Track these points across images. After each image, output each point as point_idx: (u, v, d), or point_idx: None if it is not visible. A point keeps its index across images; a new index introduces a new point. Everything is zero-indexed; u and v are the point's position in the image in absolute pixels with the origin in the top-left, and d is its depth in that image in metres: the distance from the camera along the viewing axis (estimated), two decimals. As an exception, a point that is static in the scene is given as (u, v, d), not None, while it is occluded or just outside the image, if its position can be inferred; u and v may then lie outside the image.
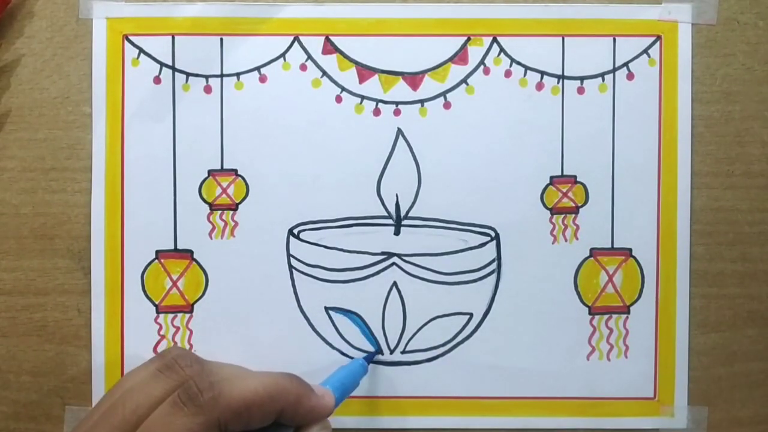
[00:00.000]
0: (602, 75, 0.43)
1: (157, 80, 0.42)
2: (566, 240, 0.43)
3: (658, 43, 0.43)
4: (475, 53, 0.43)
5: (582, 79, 0.43)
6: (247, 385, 0.33)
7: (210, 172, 0.43)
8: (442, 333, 0.43)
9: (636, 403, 0.43)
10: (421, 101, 0.43)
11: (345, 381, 0.39)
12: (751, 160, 0.43)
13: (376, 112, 0.43)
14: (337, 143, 0.42)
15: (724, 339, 0.43)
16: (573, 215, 0.43)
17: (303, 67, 0.43)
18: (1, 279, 0.42)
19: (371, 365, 0.42)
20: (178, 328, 0.42)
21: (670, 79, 0.43)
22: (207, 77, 0.42)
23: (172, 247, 0.42)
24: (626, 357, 0.43)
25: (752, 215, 0.43)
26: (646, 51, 0.43)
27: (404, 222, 0.42)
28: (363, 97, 0.43)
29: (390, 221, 0.43)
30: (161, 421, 0.31)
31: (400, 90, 0.43)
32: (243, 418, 0.32)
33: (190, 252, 0.42)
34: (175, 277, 0.42)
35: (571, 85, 0.43)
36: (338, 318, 0.42)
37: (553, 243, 0.43)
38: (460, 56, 0.43)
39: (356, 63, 0.43)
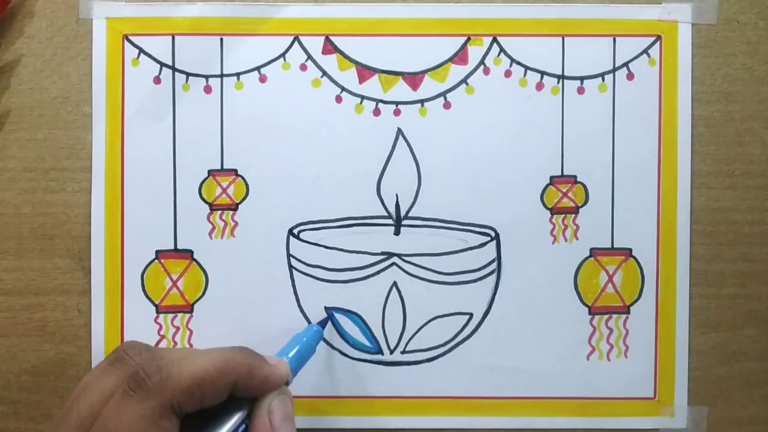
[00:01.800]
0: (602, 75, 0.43)
1: (157, 80, 0.42)
2: (566, 240, 0.43)
3: (658, 43, 0.43)
4: (475, 53, 0.43)
5: (582, 79, 0.43)
6: (195, 363, 0.33)
7: (210, 172, 0.43)
8: (442, 333, 0.43)
9: (636, 403, 0.43)
10: (421, 101, 0.43)
11: (300, 349, 0.38)
12: (751, 160, 0.43)
13: (376, 112, 0.43)
14: (337, 143, 0.42)
15: (724, 339, 0.43)
16: (573, 215, 0.43)
17: (303, 67, 0.43)
18: (1, 279, 0.42)
19: (372, 365, 0.42)
20: (178, 328, 0.42)
21: (670, 79, 0.43)
22: (207, 77, 0.42)
23: (172, 247, 0.42)
24: (626, 357, 0.43)
25: (752, 215, 0.43)
26: (646, 51, 0.43)
27: (404, 222, 0.42)
28: (363, 97, 0.43)
29: (390, 221, 0.43)
30: (114, 412, 0.31)
31: (400, 90, 0.43)
32: (196, 396, 0.32)
33: (190, 252, 0.42)
34: (175, 277, 0.42)
35: (571, 85, 0.43)
36: (338, 318, 0.42)
37: (553, 243, 0.43)
38: (460, 56, 0.43)
39: (356, 63, 0.43)
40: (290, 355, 0.38)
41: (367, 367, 0.43)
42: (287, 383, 0.36)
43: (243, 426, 0.34)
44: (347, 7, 0.42)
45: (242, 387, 0.34)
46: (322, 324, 0.41)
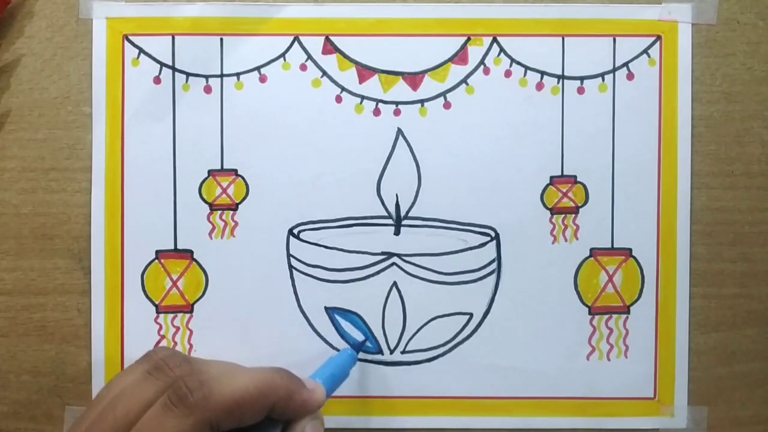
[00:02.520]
0: (602, 75, 0.43)
1: (157, 80, 0.42)
2: (566, 240, 0.43)
3: (658, 43, 0.43)
4: (475, 53, 0.43)
5: (582, 79, 0.43)
6: (237, 383, 0.33)
7: (210, 172, 0.43)
8: (442, 333, 0.43)
9: (636, 403, 0.43)
10: (421, 101, 0.43)
11: (335, 372, 0.39)
12: (751, 160, 0.43)
13: (376, 112, 0.43)
14: (337, 143, 0.42)
15: (724, 339, 0.43)
16: (573, 215, 0.43)
17: (303, 67, 0.43)
18: (1, 279, 0.42)
19: (372, 365, 0.42)
20: (178, 328, 0.42)
21: (670, 79, 0.43)
22: (207, 77, 0.42)
23: (172, 247, 0.42)
24: (626, 357, 0.43)
25: (752, 215, 0.43)
26: (646, 51, 0.43)
27: (404, 222, 0.42)
28: (363, 97, 0.43)
29: (390, 221, 0.43)
30: (152, 424, 0.31)
31: (400, 90, 0.43)
32: (234, 416, 0.32)
33: (190, 252, 0.42)
34: (175, 277, 0.42)
35: (571, 85, 0.43)
36: (338, 318, 0.42)
37: (553, 243, 0.43)
38: (460, 56, 0.43)
39: (356, 63, 0.43)
40: (325, 378, 0.38)
41: (367, 367, 0.43)
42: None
43: None
44: (347, 7, 0.42)
45: (280, 409, 0.34)
46: (357, 348, 0.41)
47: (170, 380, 0.32)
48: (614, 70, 0.43)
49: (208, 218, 0.42)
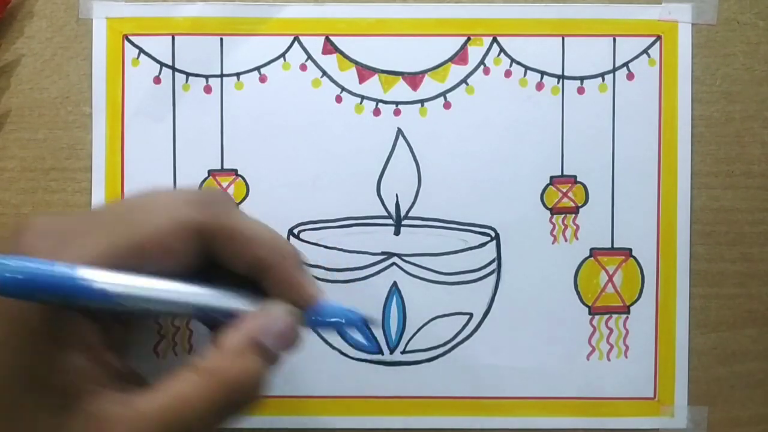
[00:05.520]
0: (602, 75, 0.43)
1: (157, 80, 0.42)
2: (566, 240, 0.43)
3: (658, 43, 0.43)
4: (475, 53, 0.43)
5: (582, 79, 0.43)
6: (255, 221, 0.33)
7: (210, 172, 0.43)
8: (442, 333, 0.43)
9: (636, 403, 0.43)
10: (421, 101, 0.43)
11: (337, 310, 0.35)
12: (751, 160, 0.43)
13: (376, 112, 0.43)
14: (337, 143, 0.42)
15: (724, 339, 0.43)
16: (573, 215, 0.43)
17: (303, 67, 0.43)
18: (1, 279, 0.42)
19: (372, 365, 0.42)
20: (178, 328, 0.42)
21: (670, 79, 0.43)
22: (207, 77, 0.42)
23: (172, 247, 0.42)
24: (626, 357, 0.43)
25: (752, 215, 0.43)
26: (646, 51, 0.43)
27: (404, 222, 0.42)
28: (363, 97, 0.43)
29: (390, 221, 0.43)
30: (161, 196, 0.32)
31: (400, 90, 0.43)
32: (235, 241, 0.32)
33: (190, 252, 0.42)
34: (175, 277, 0.42)
35: (571, 85, 0.43)
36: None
37: (553, 243, 0.43)
38: (460, 56, 0.43)
39: (356, 63, 0.43)
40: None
41: (367, 367, 0.43)
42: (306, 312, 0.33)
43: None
44: (347, 7, 0.42)
45: (271, 270, 0.33)
46: (366, 322, 0.38)
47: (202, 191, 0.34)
48: (614, 70, 0.43)
49: (208, 218, 0.42)
